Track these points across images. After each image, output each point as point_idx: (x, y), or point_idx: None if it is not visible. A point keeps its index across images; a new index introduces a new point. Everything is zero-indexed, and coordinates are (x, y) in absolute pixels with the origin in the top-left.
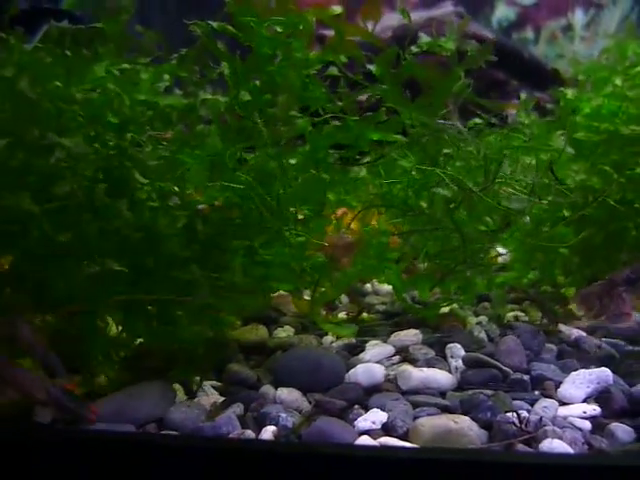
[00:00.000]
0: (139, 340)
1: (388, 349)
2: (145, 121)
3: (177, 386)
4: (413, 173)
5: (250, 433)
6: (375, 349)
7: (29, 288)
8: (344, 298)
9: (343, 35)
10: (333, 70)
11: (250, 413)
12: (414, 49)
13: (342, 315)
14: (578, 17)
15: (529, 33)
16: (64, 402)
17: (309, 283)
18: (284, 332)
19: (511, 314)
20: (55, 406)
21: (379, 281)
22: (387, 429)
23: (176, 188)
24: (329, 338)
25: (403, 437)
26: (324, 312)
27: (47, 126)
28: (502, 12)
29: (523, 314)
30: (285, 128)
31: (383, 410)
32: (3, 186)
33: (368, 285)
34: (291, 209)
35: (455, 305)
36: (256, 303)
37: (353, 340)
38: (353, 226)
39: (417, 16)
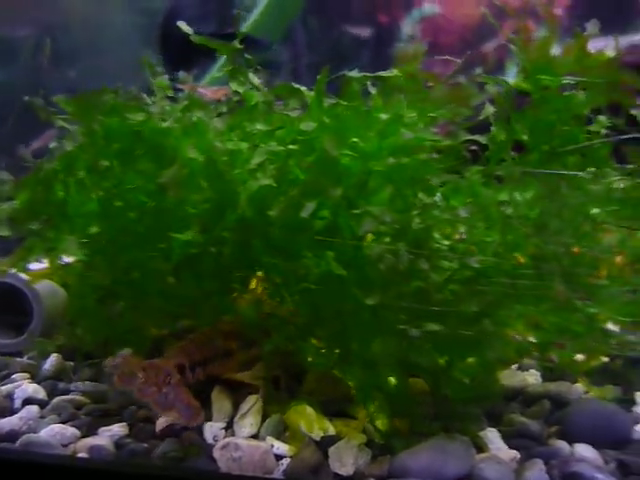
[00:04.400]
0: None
1: None
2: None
3: (464, 437)
4: None
5: None
6: None
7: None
8: None
9: (617, 80)
10: (602, 121)
11: (553, 471)
12: None
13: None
14: None
15: None
16: None
17: None
18: (530, 376)
19: None
20: None
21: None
22: None
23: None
24: (580, 386)
25: None
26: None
27: (350, 185)
28: None
29: None
30: None
31: None
32: (307, 247)
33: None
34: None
35: None
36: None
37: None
38: None
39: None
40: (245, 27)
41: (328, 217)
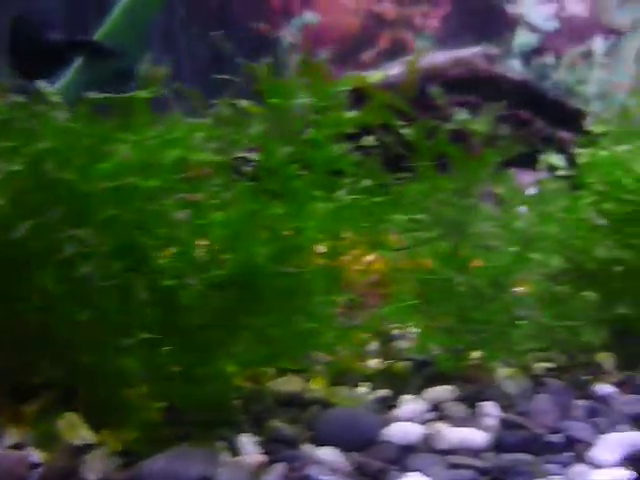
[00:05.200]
0: None
1: (422, 405)
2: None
3: (221, 443)
4: None
5: None
6: (409, 405)
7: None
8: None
9: (382, 102)
10: (369, 140)
11: (293, 474)
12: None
13: (375, 363)
14: (598, 44)
15: (550, 59)
16: None
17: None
18: (317, 383)
19: (540, 364)
20: None
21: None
22: None
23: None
24: (363, 389)
25: None
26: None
27: (71, 207)
28: (523, 38)
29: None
30: None
31: (423, 473)
32: (26, 266)
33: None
34: None
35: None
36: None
37: (386, 393)
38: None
39: (442, 57)
40: (97, 35)
41: (46, 237)
